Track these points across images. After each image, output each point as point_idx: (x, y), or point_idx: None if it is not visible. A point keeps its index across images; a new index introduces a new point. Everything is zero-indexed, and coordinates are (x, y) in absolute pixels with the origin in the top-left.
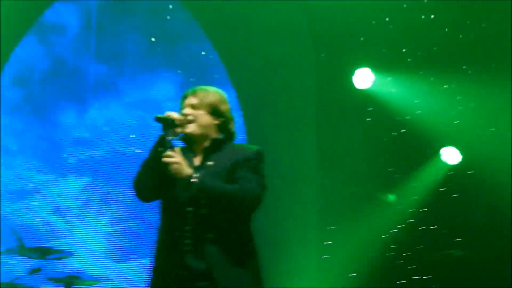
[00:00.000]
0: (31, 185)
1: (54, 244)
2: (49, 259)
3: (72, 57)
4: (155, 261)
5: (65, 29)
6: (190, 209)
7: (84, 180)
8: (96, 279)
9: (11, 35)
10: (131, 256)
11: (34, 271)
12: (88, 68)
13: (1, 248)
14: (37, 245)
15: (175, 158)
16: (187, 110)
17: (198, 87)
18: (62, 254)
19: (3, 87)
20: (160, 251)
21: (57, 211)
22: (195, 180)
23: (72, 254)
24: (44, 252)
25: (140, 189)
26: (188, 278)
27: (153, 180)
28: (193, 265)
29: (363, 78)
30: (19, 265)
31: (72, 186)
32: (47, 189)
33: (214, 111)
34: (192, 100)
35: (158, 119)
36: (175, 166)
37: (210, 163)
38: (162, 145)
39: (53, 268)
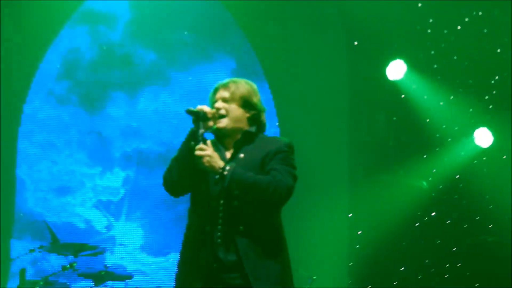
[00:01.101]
0: (75, 179)
1: (92, 240)
2: (82, 255)
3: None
4: (185, 254)
5: (113, 17)
6: (221, 201)
7: (128, 172)
8: (129, 274)
9: (55, 24)
10: (166, 251)
11: (67, 267)
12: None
13: (35, 245)
14: (73, 241)
15: (207, 151)
16: (219, 104)
17: (229, 80)
18: (95, 250)
19: (48, 79)
20: (191, 244)
21: (99, 205)
22: (227, 172)
23: (106, 250)
24: (77, 249)
25: (170, 183)
26: (219, 270)
27: (184, 174)
28: (224, 257)
29: (396, 70)
30: (53, 261)
31: (115, 180)
32: (91, 182)
33: (246, 103)
34: (223, 93)
35: (190, 112)
36: (207, 159)
37: (241, 155)
38: (194, 138)
39: (86, 264)
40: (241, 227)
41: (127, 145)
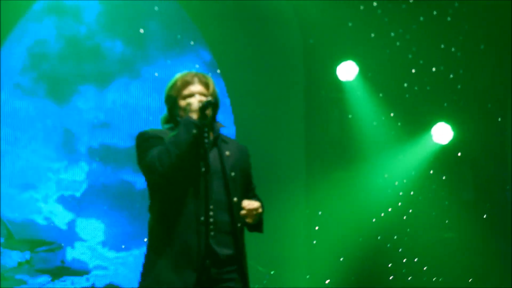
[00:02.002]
0: (39, 174)
1: (52, 235)
2: (39, 251)
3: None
4: (175, 244)
5: (81, 9)
6: (223, 198)
7: (93, 167)
8: (86, 269)
9: (18, 14)
10: (128, 246)
11: (23, 263)
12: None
13: None
14: (33, 237)
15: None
16: (200, 98)
17: (202, 74)
18: (52, 246)
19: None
20: (182, 235)
21: (61, 200)
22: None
23: (64, 246)
24: (34, 245)
25: (161, 173)
26: (217, 264)
27: (184, 161)
28: (220, 250)
29: (347, 71)
30: (9, 257)
31: (80, 174)
32: (55, 177)
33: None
34: (201, 88)
35: (210, 104)
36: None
37: (227, 153)
38: (200, 130)
39: (43, 260)
40: (238, 224)
41: (93, 139)
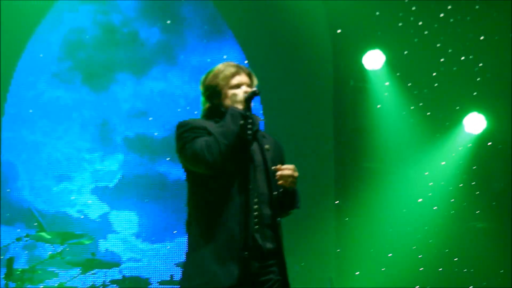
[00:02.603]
0: (74, 166)
1: (85, 228)
2: (70, 243)
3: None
4: (219, 236)
5: None
6: (266, 192)
7: (128, 158)
8: (117, 262)
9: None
10: (162, 238)
11: (54, 256)
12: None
13: (21, 234)
14: (65, 229)
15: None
16: (246, 89)
17: (246, 67)
18: (83, 239)
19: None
20: (226, 227)
21: (96, 192)
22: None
23: (95, 238)
24: (65, 237)
25: (211, 164)
26: (260, 256)
27: (232, 152)
28: (263, 244)
29: (374, 60)
30: (40, 250)
31: (114, 165)
32: (91, 168)
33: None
34: (247, 80)
35: (256, 95)
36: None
37: (266, 146)
38: (249, 120)
39: (74, 253)
40: (278, 218)
41: (130, 129)
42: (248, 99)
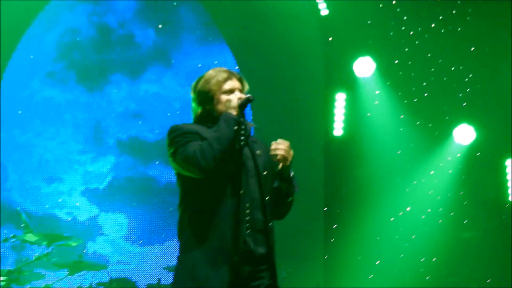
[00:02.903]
0: (66, 167)
1: (74, 229)
2: (57, 245)
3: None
4: (211, 241)
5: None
6: (257, 195)
7: (120, 159)
8: (104, 264)
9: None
10: (146, 241)
11: (40, 257)
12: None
13: (8, 234)
14: (54, 231)
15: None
16: (240, 95)
17: (234, 71)
18: (70, 240)
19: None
20: (218, 231)
21: (86, 193)
22: (293, 174)
23: (83, 240)
24: (52, 238)
25: (204, 169)
26: (251, 261)
27: (226, 157)
28: (255, 248)
29: (364, 67)
30: (26, 251)
31: (105, 166)
32: (82, 169)
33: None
34: (239, 85)
35: (249, 101)
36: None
37: (258, 152)
38: (243, 126)
39: (61, 254)
40: (270, 223)
41: (123, 131)
42: (242, 105)
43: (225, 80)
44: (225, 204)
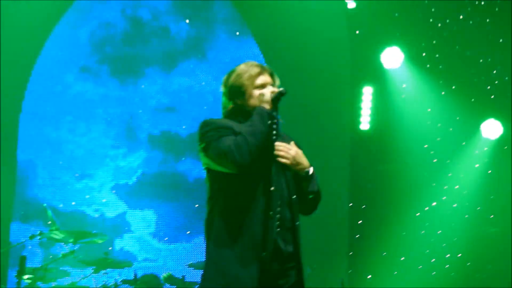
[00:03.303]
0: (97, 163)
1: (102, 226)
2: (83, 242)
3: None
4: (241, 237)
5: None
6: (285, 193)
7: (151, 154)
8: (129, 261)
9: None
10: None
11: (67, 254)
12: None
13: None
14: (82, 228)
15: (292, 150)
16: (273, 89)
17: (265, 65)
18: (97, 238)
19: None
20: (249, 228)
21: (116, 189)
22: (312, 173)
23: (110, 238)
24: (78, 236)
25: (240, 163)
26: (279, 258)
27: (261, 152)
28: (284, 246)
29: (393, 58)
30: (53, 249)
31: (136, 162)
32: (113, 164)
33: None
34: (270, 80)
35: (282, 95)
36: (297, 157)
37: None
38: (274, 120)
39: (87, 252)
40: (297, 222)
41: (155, 125)
42: (275, 99)
43: (258, 74)
44: (257, 201)
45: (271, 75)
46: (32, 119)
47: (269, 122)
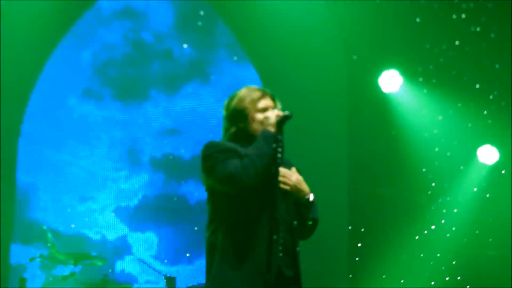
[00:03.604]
0: (99, 185)
1: (103, 248)
2: (83, 264)
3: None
4: (245, 261)
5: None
6: (285, 217)
7: (153, 177)
8: (129, 282)
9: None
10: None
11: (66, 277)
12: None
13: (34, 254)
14: (83, 250)
15: (293, 176)
16: (278, 112)
17: (268, 91)
18: (97, 260)
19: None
20: (253, 252)
21: (117, 212)
22: (313, 200)
23: (109, 260)
24: (78, 258)
25: (246, 185)
26: (281, 282)
27: (267, 175)
28: (286, 271)
29: (390, 81)
30: (53, 271)
31: (137, 184)
32: (115, 186)
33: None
34: (272, 103)
35: (287, 118)
36: (298, 184)
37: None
38: (279, 143)
39: (87, 274)
40: (297, 248)
41: (157, 148)
42: (281, 122)
43: (259, 98)
44: (261, 225)
45: (273, 99)
46: (33, 141)
47: (274, 145)
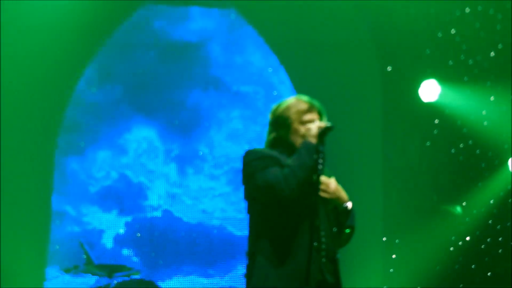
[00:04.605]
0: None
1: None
2: (118, 276)
3: None
4: (287, 268)
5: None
6: (325, 225)
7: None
8: None
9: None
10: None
11: None
12: None
13: (69, 265)
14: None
15: (332, 185)
16: (320, 123)
17: (317, 104)
18: (131, 271)
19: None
20: (294, 259)
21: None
22: (351, 208)
23: (142, 271)
24: (112, 270)
25: (294, 188)
26: None
27: (308, 185)
28: (328, 277)
29: (430, 91)
30: (88, 283)
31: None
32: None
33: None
34: (318, 118)
35: (330, 130)
36: (337, 191)
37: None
38: (320, 154)
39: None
40: (337, 255)
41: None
42: (322, 133)
43: (306, 111)
44: (301, 232)
45: (320, 113)
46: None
47: (315, 156)
